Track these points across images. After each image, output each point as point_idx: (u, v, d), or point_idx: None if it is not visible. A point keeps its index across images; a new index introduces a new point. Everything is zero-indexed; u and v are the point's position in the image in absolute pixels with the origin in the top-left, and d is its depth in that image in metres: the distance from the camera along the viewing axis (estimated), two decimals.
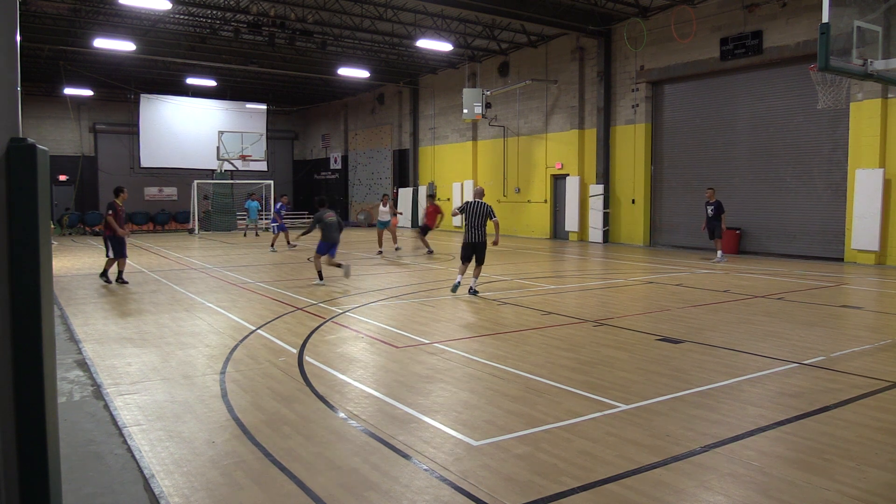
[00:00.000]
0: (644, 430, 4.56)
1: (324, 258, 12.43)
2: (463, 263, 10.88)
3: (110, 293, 11.30)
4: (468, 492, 3.63)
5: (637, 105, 20.95)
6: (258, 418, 4.84)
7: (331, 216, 12.41)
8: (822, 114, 15.80)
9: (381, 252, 18.12)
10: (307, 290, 11.32)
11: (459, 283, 10.80)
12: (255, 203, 26.90)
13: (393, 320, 8.71)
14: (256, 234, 26.91)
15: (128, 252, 13.00)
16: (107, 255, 12.39)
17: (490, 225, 10.90)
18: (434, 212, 18.16)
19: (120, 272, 12.51)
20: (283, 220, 21.40)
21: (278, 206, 21.65)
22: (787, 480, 3.76)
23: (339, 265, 12.43)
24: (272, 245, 20.02)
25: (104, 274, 12.56)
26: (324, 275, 12.40)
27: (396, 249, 18.94)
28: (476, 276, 10.93)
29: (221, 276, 13.47)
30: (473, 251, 10.79)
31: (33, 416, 2.03)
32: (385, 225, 18.60)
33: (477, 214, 10.71)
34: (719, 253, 16.03)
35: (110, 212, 12.06)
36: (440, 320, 8.71)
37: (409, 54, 27.02)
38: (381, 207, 18.65)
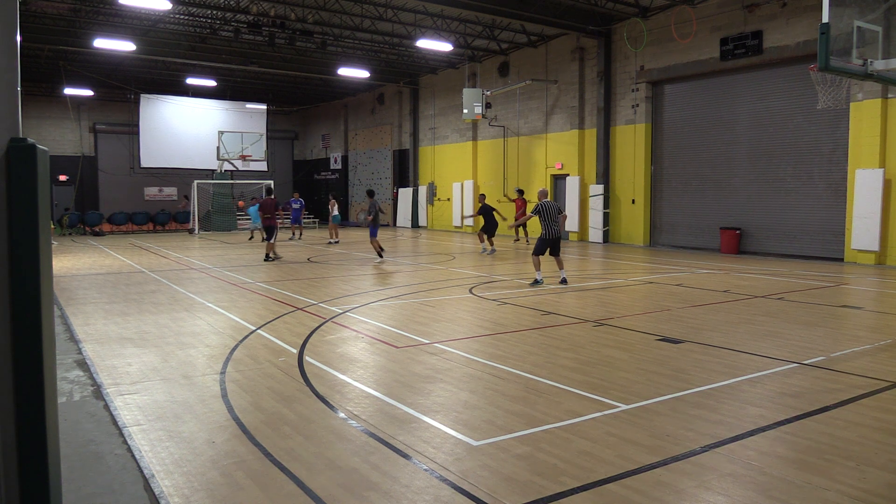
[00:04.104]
0: (644, 430, 4.56)
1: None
2: (537, 256, 11.99)
3: (109, 293, 11.30)
4: (468, 492, 3.63)
5: (637, 105, 20.94)
6: (258, 418, 4.84)
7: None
8: (822, 114, 15.79)
9: (337, 241, 22.12)
10: (307, 290, 11.33)
11: (542, 279, 11.97)
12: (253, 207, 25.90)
13: (393, 320, 8.71)
14: (251, 238, 25.30)
15: (275, 237, 16.79)
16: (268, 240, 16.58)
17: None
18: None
19: (266, 253, 16.62)
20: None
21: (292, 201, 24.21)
22: (787, 480, 3.76)
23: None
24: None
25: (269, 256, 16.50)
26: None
27: (334, 243, 21.85)
28: (562, 266, 12.17)
29: (221, 276, 13.47)
30: (550, 244, 11.94)
31: (33, 416, 2.03)
32: (337, 220, 23.25)
33: (553, 212, 11.89)
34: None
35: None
36: (440, 320, 8.71)
37: (409, 54, 27.01)
38: (333, 208, 23.16)
